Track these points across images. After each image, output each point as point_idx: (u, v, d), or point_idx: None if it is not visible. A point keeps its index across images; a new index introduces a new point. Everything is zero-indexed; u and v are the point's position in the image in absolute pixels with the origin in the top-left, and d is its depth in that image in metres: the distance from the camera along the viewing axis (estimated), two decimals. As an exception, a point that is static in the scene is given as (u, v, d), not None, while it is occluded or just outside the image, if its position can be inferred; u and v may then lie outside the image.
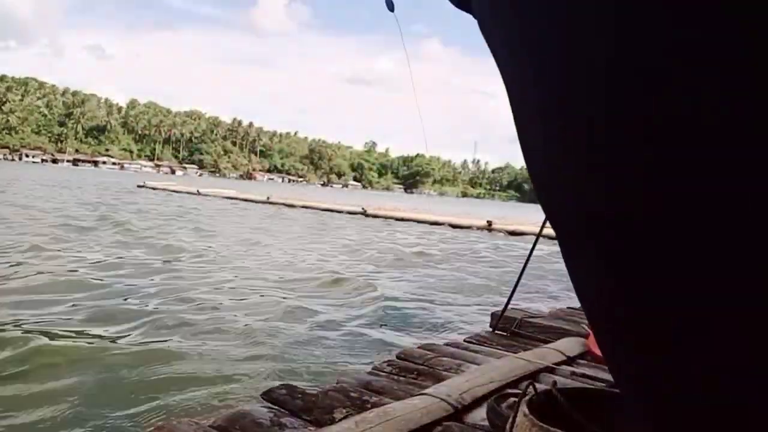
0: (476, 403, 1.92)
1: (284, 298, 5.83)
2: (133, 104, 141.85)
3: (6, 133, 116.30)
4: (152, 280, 6.21)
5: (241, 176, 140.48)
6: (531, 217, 22.82)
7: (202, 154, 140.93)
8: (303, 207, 25.00)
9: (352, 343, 4.39)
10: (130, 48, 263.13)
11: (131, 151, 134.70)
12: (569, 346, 2.74)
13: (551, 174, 0.28)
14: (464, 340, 2.96)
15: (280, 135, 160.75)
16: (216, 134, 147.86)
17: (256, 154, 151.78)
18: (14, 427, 2.64)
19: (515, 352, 2.60)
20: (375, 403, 1.88)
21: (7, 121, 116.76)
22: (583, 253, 0.28)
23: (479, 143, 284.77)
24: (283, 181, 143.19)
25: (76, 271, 6.33)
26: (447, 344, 2.87)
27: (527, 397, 1.20)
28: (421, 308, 5.87)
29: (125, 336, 4.06)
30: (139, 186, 33.30)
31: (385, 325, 5.05)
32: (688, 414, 0.23)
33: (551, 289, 7.48)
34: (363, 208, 23.82)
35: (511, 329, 3.09)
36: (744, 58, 0.20)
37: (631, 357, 0.26)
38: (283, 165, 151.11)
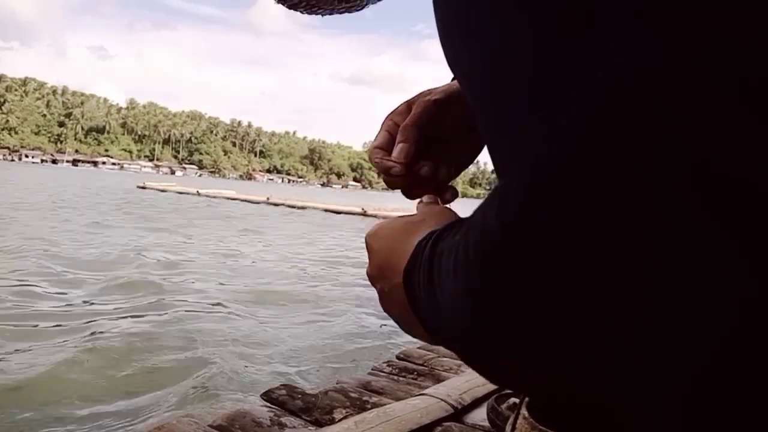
0: (476, 403, 1.92)
1: (285, 298, 5.84)
2: (132, 104, 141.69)
3: (6, 134, 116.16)
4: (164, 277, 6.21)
5: (241, 176, 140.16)
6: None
7: (201, 154, 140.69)
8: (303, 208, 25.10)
9: (353, 342, 4.38)
10: (131, 48, 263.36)
11: (131, 152, 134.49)
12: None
13: None
14: (464, 341, 2.95)
15: (280, 135, 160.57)
16: (215, 134, 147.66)
17: (255, 155, 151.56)
18: (11, 422, 2.64)
19: (515, 353, 2.59)
20: (375, 404, 1.88)
21: (7, 121, 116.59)
22: None
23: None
24: (282, 181, 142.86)
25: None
26: (447, 344, 2.86)
27: (527, 398, 1.20)
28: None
29: (126, 335, 4.06)
30: (139, 187, 33.23)
31: (386, 324, 5.04)
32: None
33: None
34: (363, 209, 23.87)
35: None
36: None
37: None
38: (282, 165, 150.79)
